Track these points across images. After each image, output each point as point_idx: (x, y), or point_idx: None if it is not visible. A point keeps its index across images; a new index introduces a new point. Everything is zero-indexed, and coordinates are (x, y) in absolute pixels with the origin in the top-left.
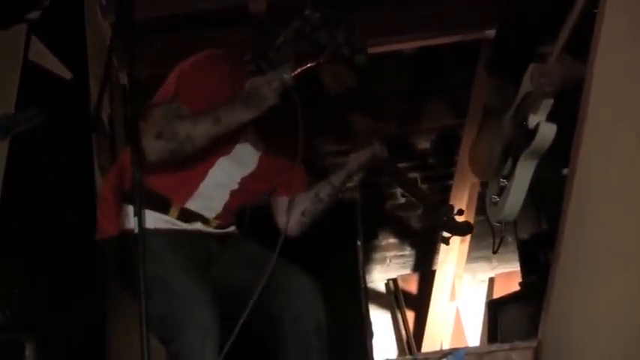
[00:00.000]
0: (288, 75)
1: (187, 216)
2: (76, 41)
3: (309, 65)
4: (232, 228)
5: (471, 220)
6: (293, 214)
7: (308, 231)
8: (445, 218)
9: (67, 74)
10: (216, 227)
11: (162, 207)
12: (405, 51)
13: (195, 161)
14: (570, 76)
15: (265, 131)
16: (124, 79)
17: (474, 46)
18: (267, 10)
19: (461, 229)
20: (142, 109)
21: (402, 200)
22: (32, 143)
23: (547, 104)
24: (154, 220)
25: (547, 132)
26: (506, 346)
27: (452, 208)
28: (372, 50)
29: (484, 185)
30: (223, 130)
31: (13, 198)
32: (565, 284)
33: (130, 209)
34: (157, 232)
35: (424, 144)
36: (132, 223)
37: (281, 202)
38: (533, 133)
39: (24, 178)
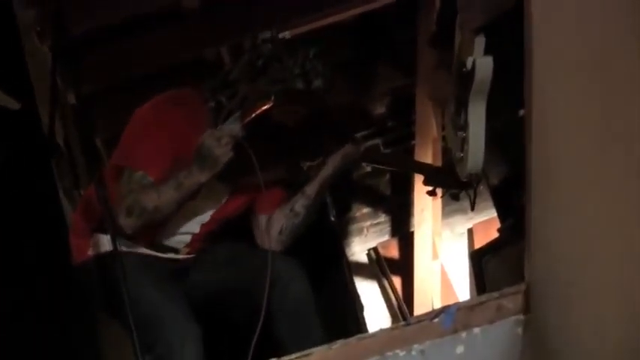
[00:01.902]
0: (237, 127)
1: (157, 248)
2: (18, 70)
3: (258, 112)
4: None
5: None
6: (271, 234)
7: None
8: (452, 179)
9: (14, 105)
10: (188, 253)
11: (132, 239)
12: (344, 21)
13: None
14: (492, 4)
15: (229, 169)
16: (72, 99)
17: (412, 5)
18: (199, 5)
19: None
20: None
21: (368, 168)
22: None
23: (479, 42)
24: (124, 246)
25: (484, 66)
26: (496, 294)
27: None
28: (312, 26)
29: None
30: (187, 193)
31: None
32: (542, 224)
33: (101, 237)
34: (128, 254)
35: (380, 109)
36: (105, 248)
37: (258, 220)
38: (472, 73)
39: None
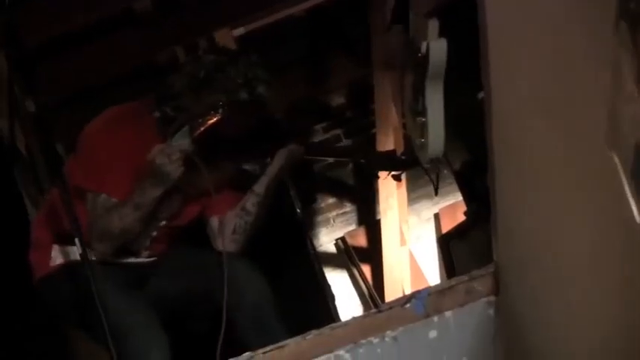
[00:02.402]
0: (187, 141)
1: (117, 252)
2: None
3: (205, 127)
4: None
5: None
6: (225, 234)
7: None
8: (390, 161)
9: None
10: (149, 256)
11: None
12: (295, 15)
13: None
14: None
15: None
16: (31, 107)
17: None
18: (152, 6)
19: (408, 163)
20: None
21: (331, 160)
22: None
23: (433, 26)
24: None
25: (438, 49)
26: (465, 277)
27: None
28: (262, 22)
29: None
30: (146, 209)
31: None
32: (508, 205)
33: (60, 248)
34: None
35: (338, 100)
36: (63, 259)
37: (210, 224)
38: (427, 57)
39: None
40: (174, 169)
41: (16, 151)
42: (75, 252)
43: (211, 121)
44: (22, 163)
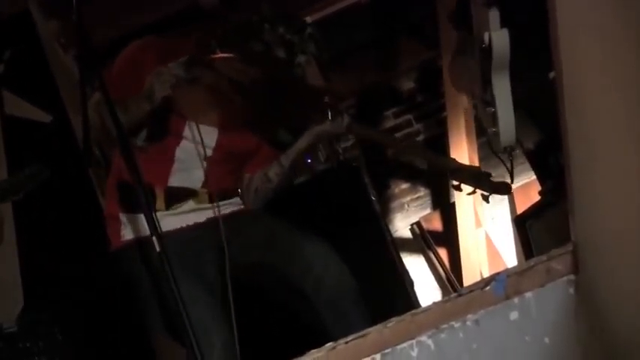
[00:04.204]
0: (180, 68)
1: (174, 196)
2: (46, 83)
3: (203, 58)
4: (231, 202)
5: (474, 144)
6: (250, 191)
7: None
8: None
9: (46, 118)
10: (210, 200)
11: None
12: (361, 1)
13: (160, 146)
14: None
15: (221, 111)
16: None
17: None
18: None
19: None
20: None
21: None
22: (34, 197)
23: (494, 16)
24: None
25: (500, 39)
26: (544, 257)
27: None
28: (327, 11)
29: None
30: (134, 118)
31: (32, 254)
32: (583, 182)
33: (128, 217)
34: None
35: (408, 84)
36: (133, 233)
37: (244, 178)
38: (490, 47)
39: (36, 233)
40: (158, 89)
41: (89, 150)
42: (143, 223)
43: (213, 56)
44: (95, 164)
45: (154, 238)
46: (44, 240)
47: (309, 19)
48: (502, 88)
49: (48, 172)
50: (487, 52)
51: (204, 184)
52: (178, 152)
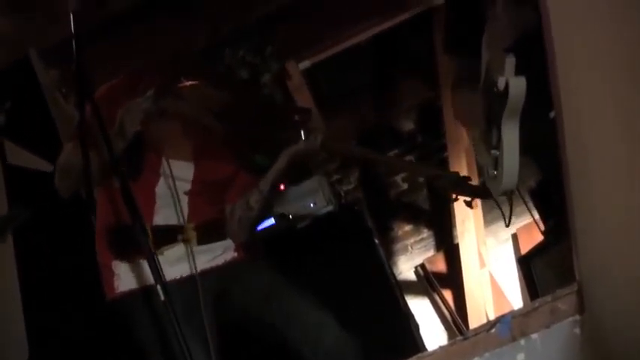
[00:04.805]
0: (148, 101)
1: (161, 236)
2: (47, 132)
3: (167, 86)
4: (224, 245)
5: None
6: (234, 221)
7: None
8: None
9: (48, 167)
10: (199, 239)
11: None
12: (361, 43)
13: (140, 184)
14: (521, 24)
15: (195, 142)
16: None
17: (426, 17)
18: None
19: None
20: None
21: (405, 186)
22: (36, 240)
23: (510, 62)
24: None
25: (518, 87)
26: (549, 298)
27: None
28: (329, 52)
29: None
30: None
31: (34, 295)
32: (587, 220)
33: (121, 265)
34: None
35: (408, 125)
36: (126, 285)
37: (226, 210)
38: (505, 93)
39: (39, 275)
40: (129, 124)
41: (91, 196)
42: (137, 271)
43: (179, 85)
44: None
45: (158, 286)
46: (47, 290)
47: (308, 64)
48: (511, 134)
49: (27, 213)
50: (499, 96)
51: (189, 219)
52: (158, 190)
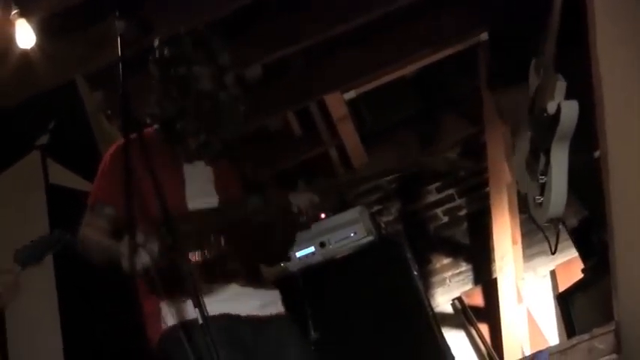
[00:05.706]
0: (155, 247)
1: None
2: (90, 153)
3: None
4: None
5: (517, 220)
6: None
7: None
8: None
9: (89, 188)
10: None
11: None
12: (406, 76)
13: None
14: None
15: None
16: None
17: (471, 52)
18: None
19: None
20: None
21: (445, 219)
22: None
23: (561, 87)
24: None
25: (571, 109)
26: (586, 336)
27: None
28: (373, 84)
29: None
30: (109, 260)
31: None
32: (627, 260)
33: (167, 306)
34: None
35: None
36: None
37: None
38: (556, 117)
39: (79, 296)
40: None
41: (132, 224)
42: (185, 309)
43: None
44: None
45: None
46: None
47: (353, 94)
48: (560, 158)
49: (68, 236)
50: (550, 120)
51: (197, 243)
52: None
